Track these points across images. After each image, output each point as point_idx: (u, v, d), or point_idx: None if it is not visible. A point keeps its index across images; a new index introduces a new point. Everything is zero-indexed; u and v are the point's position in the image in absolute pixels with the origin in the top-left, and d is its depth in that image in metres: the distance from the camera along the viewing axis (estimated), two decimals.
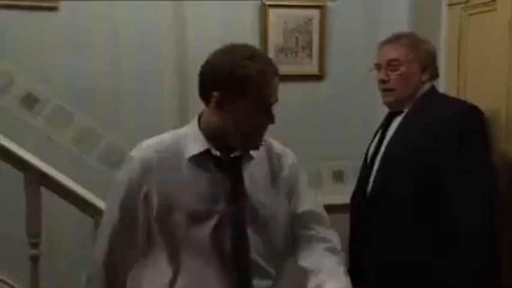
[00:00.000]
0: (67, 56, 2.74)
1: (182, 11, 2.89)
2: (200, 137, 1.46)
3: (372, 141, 2.05)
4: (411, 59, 1.90)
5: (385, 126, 1.98)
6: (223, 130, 1.43)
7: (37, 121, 2.76)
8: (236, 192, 1.45)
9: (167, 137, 1.50)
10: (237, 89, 1.38)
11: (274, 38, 2.99)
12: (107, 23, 2.75)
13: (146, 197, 1.41)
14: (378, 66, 1.96)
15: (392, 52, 1.92)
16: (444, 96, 2.01)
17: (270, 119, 1.44)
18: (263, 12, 2.96)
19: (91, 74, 2.76)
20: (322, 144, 3.14)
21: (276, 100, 1.46)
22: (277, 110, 3.17)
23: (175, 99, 2.89)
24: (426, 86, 1.94)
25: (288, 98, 3.06)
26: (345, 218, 2.12)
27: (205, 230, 1.41)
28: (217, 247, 1.41)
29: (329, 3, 3.03)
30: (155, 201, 1.41)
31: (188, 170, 1.43)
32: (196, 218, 1.41)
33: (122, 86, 2.82)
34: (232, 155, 1.46)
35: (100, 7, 2.75)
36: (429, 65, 1.93)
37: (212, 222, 1.41)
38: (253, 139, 1.44)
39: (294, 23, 3.01)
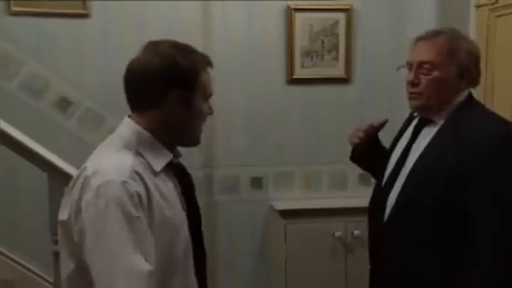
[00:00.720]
0: (98, 60, 2.83)
1: (209, 14, 2.96)
2: (156, 144, 1.35)
3: (393, 148, 1.79)
4: (448, 62, 1.60)
5: (414, 135, 1.70)
6: (181, 127, 1.38)
7: (70, 123, 2.86)
8: (190, 194, 1.43)
9: (120, 155, 1.30)
10: (192, 82, 1.36)
11: (300, 41, 3.02)
12: (136, 27, 2.84)
13: (145, 205, 1.26)
14: (409, 66, 1.68)
15: (426, 53, 1.62)
16: (483, 109, 1.68)
17: (211, 110, 1.44)
18: (289, 15, 2.99)
19: (120, 77, 2.84)
20: (349, 148, 3.14)
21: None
22: (304, 112, 3.20)
23: None
24: (464, 94, 1.65)
25: (314, 101, 3.13)
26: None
27: (179, 246, 1.34)
28: (187, 255, 1.37)
29: (355, 5, 3.04)
30: (150, 216, 1.26)
31: (161, 183, 1.32)
32: (174, 225, 1.33)
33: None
34: (177, 159, 1.43)
35: (129, 11, 2.84)
36: (469, 70, 1.62)
37: (183, 229, 1.36)
38: (201, 131, 1.43)
39: (319, 26, 3.03)
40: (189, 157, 2.78)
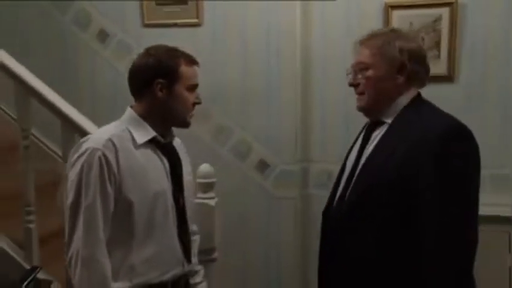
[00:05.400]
0: (207, 63, 3.22)
1: (308, 15, 3.11)
2: (143, 124, 1.67)
3: (348, 155, 1.78)
4: (380, 60, 1.63)
5: (365, 139, 1.71)
6: (168, 111, 1.68)
7: None
8: (177, 172, 1.71)
9: (110, 128, 1.67)
10: (171, 73, 1.67)
11: None
12: (239, 31, 3.15)
13: (114, 176, 1.57)
14: (351, 69, 1.73)
15: (362, 54, 1.68)
16: (431, 107, 1.67)
17: (199, 99, 1.74)
18: (386, 13, 2.97)
19: (225, 76, 3.20)
20: None
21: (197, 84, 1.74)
22: None
23: (298, 98, 3.13)
24: (411, 93, 1.66)
25: None
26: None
27: (158, 208, 1.64)
28: (167, 222, 1.66)
29: None
30: (121, 179, 1.58)
31: (141, 155, 1.64)
32: (150, 190, 1.63)
33: (251, 86, 3.18)
34: (168, 140, 1.72)
35: (233, 17, 3.16)
36: (405, 66, 1.63)
37: (163, 199, 1.65)
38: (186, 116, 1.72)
39: (420, 23, 2.93)
40: (286, 151, 2.98)
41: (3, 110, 3.38)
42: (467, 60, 2.90)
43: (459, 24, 2.88)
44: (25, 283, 2.19)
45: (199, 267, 1.91)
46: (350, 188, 1.64)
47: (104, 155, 1.56)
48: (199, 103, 1.75)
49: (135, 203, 1.59)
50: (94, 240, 1.54)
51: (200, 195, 2.11)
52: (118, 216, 1.59)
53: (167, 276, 1.66)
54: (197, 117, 3.21)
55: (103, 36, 3.38)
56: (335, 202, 1.70)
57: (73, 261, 1.56)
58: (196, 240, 1.91)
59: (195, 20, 3.20)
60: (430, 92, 3.03)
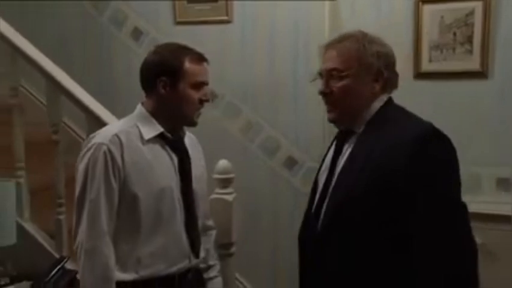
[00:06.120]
0: (237, 59, 3.26)
1: (337, 12, 3.08)
2: (152, 120, 1.70)
3: (320, 167, 1.64)
4: (357, 67, 1.48)
5: (337, 150, 1.56)
6: (172, 109, 1.69)
7: (215, 113, 3.36)
8: (185, 168, 1.72)
9: (120, 124, 1.72)
10: (175, 71, 1.68)
11: (429, 35, 2.90)
12: (267, 28, 3.17)
13: (119, 171, 1.62)
14: (320, 75, 1.56)
15: (334, 59, 1.50)
16: (404, 113, 1.53)
17: (206, 96, 1.72)
18: (417, 8, 2.90)
19: (254, 73, 3.23)
20: (485, 149, 2.87)
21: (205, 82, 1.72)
22: (433, 108, 3.07)
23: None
24: (382, 99, 1.52)
25: (445, 97, 2.95)
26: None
27: (165, 202, 1.67)
28: (174, 216, 1.70)
29: None
30: (126, 173, 1.63)
31: (148, 150, 1.67)
32: (157, 184, 1.67)
33: (279, 83, 3.19)
34: (177, 136, 1.73)
35: (262, 15, 3.18)
36: (382, 73, 1.50)
37: (169, 194, 1.68)
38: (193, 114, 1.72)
39: (451, 17, 2.85)
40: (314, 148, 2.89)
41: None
42: (501, 55, 2.80)
43: (492, 18, 2.78)
44: (53, 271, 2.31)
45: (214, 262, 1.94)
46: (324, 206, 1.50)
47: (110, 150, 1.61)
48: (206, 100, 1.74)
49: (140, 197, 1.64)
50: (96, 232, 1.60)
51: (218, 190, 2.14)
52: (124, 209, 1.64)
53: (173, 269, 1.70)
54: (227, 113, 3.33)
55: (137, 34, 3.48)
56: (310, 221, 1.56)
57: (77, 253, 1.63)
58: (211, 235, 1.94)
59: (225, 18, 3.24)
60: (462, 89, 3.00)
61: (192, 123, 1.75)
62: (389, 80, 1.53)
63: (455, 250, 1.35)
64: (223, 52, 3.28)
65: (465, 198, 2.95)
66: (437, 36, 2.89)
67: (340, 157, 1.53)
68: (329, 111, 1.56)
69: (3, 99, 2.70)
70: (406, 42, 2.96)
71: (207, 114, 3.27)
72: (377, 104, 1.52)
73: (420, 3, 2.89)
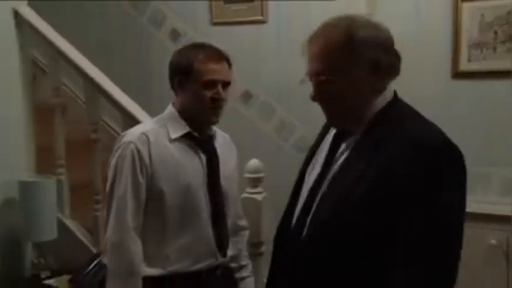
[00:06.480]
0: (271, 58, 3.27)
1: (373, 8, 3.05)
2: (179, 120, 1.74)
3: (306, 165, 1.40)
4: (342, 68, 1.22)
5: (332, 149, 1.31)
6: (188, 108, 1.72)
7: (250, 112, 3.38)
8: (213, 166, 1.74)
9: (150, 123, 1.79)
10: (186, 70, 1.70)
11: (468, 33, 2.83)
12: (302, 28, 3.14)
13: (146, 168, 1.67)
14: (309, 77, 1.30)
15: (316, 60, 1.26)
16: (409, 116, 1.27)
17: (218, 94, 1.70)
18: (456, 5, 2.84)
19: (289, 72, 3.22)
20: None
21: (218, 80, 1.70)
22: (471, 109, 2.96)
23: None
24: (386, 96, 1.28)
25: (484, 97, 2.88)
26: None
27: (191, 200, 1.71)
28: (200, 214, 1.72)
29: None
30: (153, 170, 1.67)
31: (175, 149, 1.71)
32: (183, 189, 1.70)
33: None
34: (205, 135, 1.75)
35: (297, 15, 3.17)
36: (379, 61, 1.23)
37: (196, 192, 1.71)
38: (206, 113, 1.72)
39: (492, 15, 2.78)
40: None
41: None
42: None
43: None
44: (91, 266, 2.38)
45: (246, 262, 1.94)
46: (310, 214, 1.28)
47: (137, 148, 1.67)
48: (218, 98, 1.70)
49: (166, 194, 1.68)
50: (123, 227, 1.66)
51: (248, 189, 2.16)
52: (151, 206, 1.69)
53: (200, 266, 1.72)
54: (261, 113, 3.34)
55: (175, 35, 3.54)
56: (291, 225, 1.34)
57: (106, 247, 1.69)
58: (244, 235, 1.96)
59: (260, 18, 3.26)
60: (503, 89, 2.91)
61: (210, 122, 1.76)
62: (391, 67, 1.26)
63: (435, 279, 1.16)
64: (258, 52, 3.30)
65: (503, 200, 2.90)
66: (477, 35, 2.82)
67: (334, 160, 1.30)
68: (326, 116, 1.32)
69: (46, 99, 2.80)
70: (444, 41, 2.90)
71: (243, 113, 3.38)
72: (379, 102, 1.26)
73: (460, 1, 2.83)
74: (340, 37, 1.23)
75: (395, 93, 1.31)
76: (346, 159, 1.26)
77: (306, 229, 1.28)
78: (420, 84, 2.97)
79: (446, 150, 1.19)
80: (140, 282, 1.68)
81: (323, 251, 1.23)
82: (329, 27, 1.27)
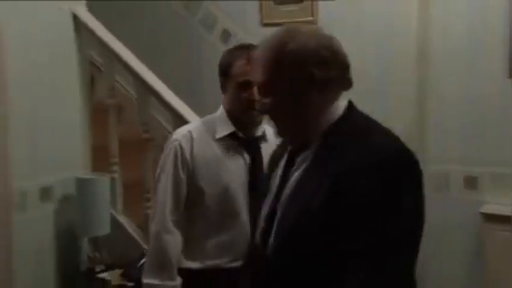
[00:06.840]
0: None
1: (426, 10, 2.99)
2: (226, 120, 1.77)
3: (267, 179, 1.37)
4: (276, 80, 1.21)
5: (288, 163, 1.29)
6: (230, 107, 1.77)
7: None
8: (256, 166, 1.75)
9: (198, 122, 1.86)
10: (225, 71, 1.75)
11: None
12: (351, 26, 3.12)
13: (187, 164, 1.74)
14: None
15: (256, 72, 1.26)
16: (366, 127, 1.22)
17: (253, 95, 1.67)
18: (511, 6, 2.73)
19: None
20: None
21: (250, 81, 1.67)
22: None
23: (413, 97, 3.03)
24: (336, 107, 1.23)
25: None
26: None
27: (231, 199, 1.73)
28: (240, 213, 1.74)
29: None
30: (194, 166, 1.74)
31: (218, 148, 1.76)
32: (223, 187, 1.73)
33: (366, 84, 3.12)
34: (250, 135, 1.76)
35: (349, 13, 3.14)
36: (313, 76, 1.19)
37: (236, 191, 1.74)
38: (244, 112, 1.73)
39: None
40: None
41: None
42: None
43: None
44: (141, 261, 2.47)
45: None
46: (274, 228, 1.26)
47: (180, 145, 1.75)
48: (253, 100, 1.67)
49: (206, 190, 1.74)
50: (162, 219, 1.74)
51: None
52: (191, 201, 1.77)
53: (237, 263, 1.73)
54: None
55: (226, 36, 3.58)
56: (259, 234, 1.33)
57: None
58: None
59: (310, 18, 3.25)
60: None
61: (250, 122, 1.78)
62: (330, 80, 1.21)
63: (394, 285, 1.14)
64: None
65: None
66: None
67: (290, 174, 1.26)
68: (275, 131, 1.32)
69: (101, 99, 2.91)
70: (500, 40, 2.80)
71: None
72: (332, 115, 1.22)
73: None
74: (276, 48, 1.22)
75: (350, 102, 1.27)
76: (304, 171, 1.23)
77: (271, 240, 1.26)
78: (476, 83, 2.89)
79: (403, 157, 1.17)
80: (175, 273, 1.76)
81: (287, 261, 1.22)
82: (265, 42, 1.25)
